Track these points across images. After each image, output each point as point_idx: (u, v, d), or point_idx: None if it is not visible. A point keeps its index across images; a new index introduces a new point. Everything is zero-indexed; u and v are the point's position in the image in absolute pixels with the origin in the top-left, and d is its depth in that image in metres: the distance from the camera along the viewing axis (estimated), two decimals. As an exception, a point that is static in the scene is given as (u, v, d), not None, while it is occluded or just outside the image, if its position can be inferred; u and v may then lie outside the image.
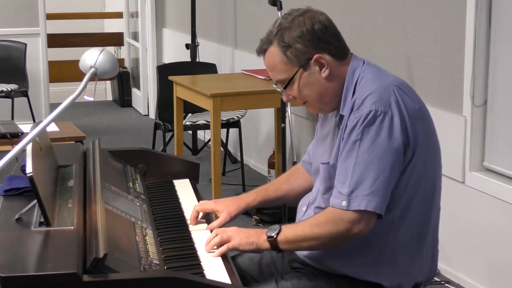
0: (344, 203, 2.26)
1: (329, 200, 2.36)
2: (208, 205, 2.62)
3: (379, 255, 2.37)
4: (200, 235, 2.46)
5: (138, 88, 8.89)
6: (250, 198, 2.66)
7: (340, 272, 2.41)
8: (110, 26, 10.70)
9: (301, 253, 2.49)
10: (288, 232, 2.34)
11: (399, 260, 2.38)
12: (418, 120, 2.33)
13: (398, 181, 2.31)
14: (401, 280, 2.40)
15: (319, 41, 2.36)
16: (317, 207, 2.48)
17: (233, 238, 2.33)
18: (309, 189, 2.60)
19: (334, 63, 2.39)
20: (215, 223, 2.55)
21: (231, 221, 2.60)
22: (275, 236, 2.33)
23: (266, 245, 2.34)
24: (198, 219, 2.59)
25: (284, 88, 2.40)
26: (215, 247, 2.35)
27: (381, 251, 2.37)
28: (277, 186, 2.71)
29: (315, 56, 2.36)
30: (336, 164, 2.36)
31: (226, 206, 2.60)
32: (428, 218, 2.42)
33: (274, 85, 2.47)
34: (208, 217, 2.63)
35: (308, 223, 2.34)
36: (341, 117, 2.38)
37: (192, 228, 2.53)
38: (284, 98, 2.47)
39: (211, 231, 2.51)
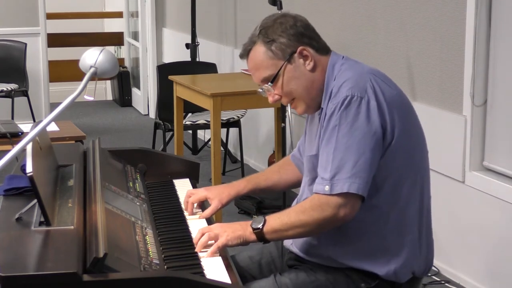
0: (327, 187, 2.29)
1: None
2: (200, 193, 2.67)
3: (371, 242, 2.39)
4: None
5: (138, 87, 8.89)
6: (241, 185, 2.71)
7: (336, 261, 2.43)
8: (110, 25, 10.71)
9: (296, 247, 2.51)
10: (273, 221, 2.36)
11: (391, 247, 2.40)
12: (396, 106, 2.36)
13: (380, 165, 2.33)
14: (396, 267, 2.41)
15: (302, 35, 2.43)
16: (306, 199, 2.50)
17: (220, 235, 2.34)
18: (298, 182, 2.65)
19: (318, 56, 2.44)
20: (207, 211, 2.61)
21: (222, 208, 2.68)
22: (261, 228, 2.34)
23: (252, 237, 2.36)
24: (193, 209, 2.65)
25: (272, 82, 2.43)
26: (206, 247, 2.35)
27: (373, 238, 2.39)
28: (267, 176, 2.76)
29: (299, 49, 2.42)
30: (318, 154, 2.40)
31: (217, 194, 2.66)
32: (419, 205, 2.44)
33: (259, 90, 2.49)
34: (202, 205, 2.69)
35: (294, 211, 2.36)
36: (322, 110, 2.42)
37: (188, 217, 2.59)
38: (270, 99, 2.49)
39: (207, 221, 2.57)
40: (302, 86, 2.43)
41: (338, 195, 2.28)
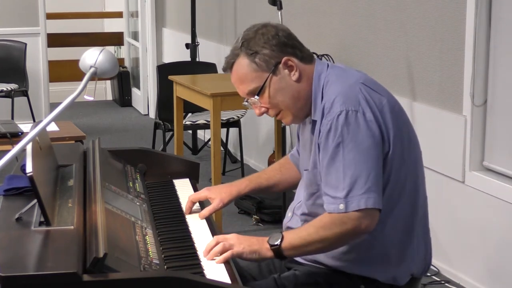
0: (341, 206, 2.26)
1: (313, 206, 2.37)
2: (201, 193, 2.67)
3: (369, 249, 2.39)
4: (200, 234, 2.46)
5: (138, 87, 8.89)
6: (242, 185, 2.70)
7: (335, 268, 2.42)
8: (110, 25, 10.70)
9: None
10: (292, 238, 2.32)
11: (390, 253, 2.40)
12: (388, 113, 2.35)
13: None
14: (394, 273, 2.41)
15: (285, 45, 2.39)
16: (303, 213, 2.51)
17: (235, 246, 2.30)
18: (298, 182, 2.63)
19: (302, 66, 2.41)
20: (206, 210, 2.60)
21: (223, 207, 2.67)
22: (279, 244, 2.31)
23: (269, 253, 2.32)
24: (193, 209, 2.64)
25: (258, 94, 2.40)
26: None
27: (371, 246, 2.38)
28: (269, 175, 2.74)
29: (283, 59, 2.38)
30: (315, 171, 2.38)
31: (219, 193, 2.66)
32: (414, 208, 2.43)
33: (244, 103, 2.47)
34: (202, 204, 2.68)
35: (313, 226, 2.32)
36: (314, 122, 2.40)
37: (187, 216, 2.59)
38: (257, 112, 2.46)
39: (207, 221, 2.55)
40: (289, 97, 2.40)
41: (355, 210, 2.25)
